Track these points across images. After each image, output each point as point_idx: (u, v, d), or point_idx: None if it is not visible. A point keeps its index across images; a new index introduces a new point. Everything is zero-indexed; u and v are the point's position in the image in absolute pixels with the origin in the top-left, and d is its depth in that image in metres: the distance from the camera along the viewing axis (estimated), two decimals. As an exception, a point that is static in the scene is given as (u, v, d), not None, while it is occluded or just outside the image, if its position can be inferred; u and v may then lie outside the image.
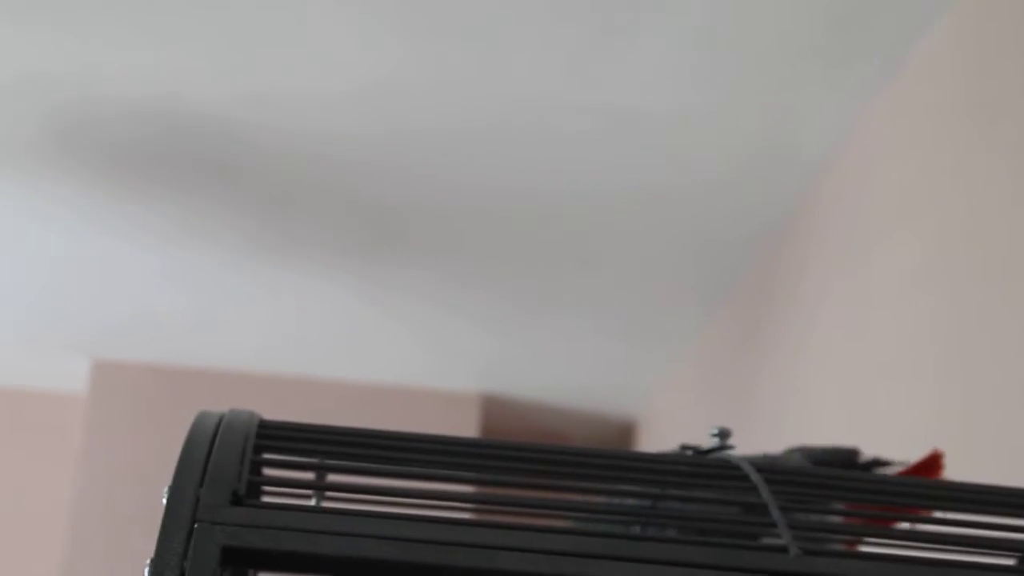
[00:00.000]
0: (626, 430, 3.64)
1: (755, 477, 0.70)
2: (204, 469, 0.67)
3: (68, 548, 3.24)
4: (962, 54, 1.78)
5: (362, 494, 0.75)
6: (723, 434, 0.89)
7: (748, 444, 1.22)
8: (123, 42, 2.09)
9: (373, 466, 0.75)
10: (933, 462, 1.03)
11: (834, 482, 0.74)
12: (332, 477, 0.79)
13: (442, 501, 0.75)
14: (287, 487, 0.74)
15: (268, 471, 0.81)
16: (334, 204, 2.58)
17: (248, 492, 0.68)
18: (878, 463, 1.01)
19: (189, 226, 2.67)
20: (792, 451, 1.00)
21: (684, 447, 0.87)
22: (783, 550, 0.63)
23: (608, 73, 2.09)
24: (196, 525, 0.62)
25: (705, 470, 0.74)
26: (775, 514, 0.65)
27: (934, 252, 1.80)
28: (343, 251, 2.76)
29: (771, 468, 0.73)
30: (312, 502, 0.77)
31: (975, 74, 1.73)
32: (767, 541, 0.65)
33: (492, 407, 3.48)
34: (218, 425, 0.73)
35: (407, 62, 2.09)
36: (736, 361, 2.72)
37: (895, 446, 1.79)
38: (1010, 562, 0.79)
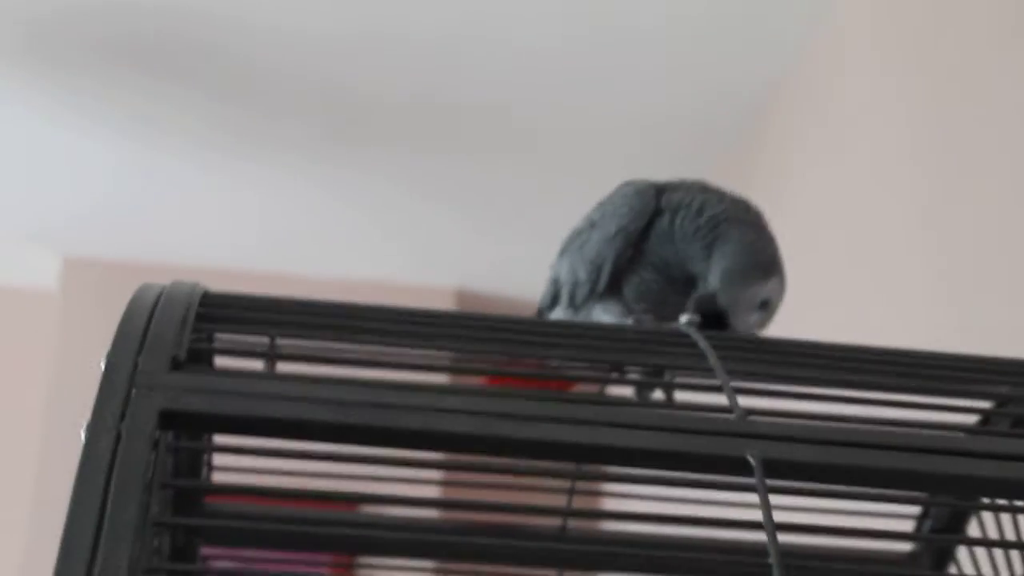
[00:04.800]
0: (601, 326, 3.64)
1: (703, 344, 0.69)
2: (143, 338, 0.66)
3: (41, 447, 3.24)
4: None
5: (312, 362, 0.74)
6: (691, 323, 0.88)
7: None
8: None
9: (321, 333, 0.74)
10: None
11: (783, 349, 0.74)
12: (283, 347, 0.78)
13: (393, 368, 0.74)
14: (231, 354, 0.73)
15: (220, 340, 0.80)
16: (303, 96, 2.54)
17: (190, 359, 0.67)
18: None
19: (155, 122, 2.64)
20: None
21: (637, 320, 0.87)
22: (728, 411, 0.62)
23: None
24: (133, 391, 0.61)
25: (655, 337, 0.74)
26: (721, 377, 0.65)
27: (912, 128, 1.79)
28: (313, 144, 2.73)
29: (719, 336, 0.72)
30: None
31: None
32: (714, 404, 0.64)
33: (467, 303, 3.47)
34: (159, 296, 0.71)
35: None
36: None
37: (887, 330, 1.79)
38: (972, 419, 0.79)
